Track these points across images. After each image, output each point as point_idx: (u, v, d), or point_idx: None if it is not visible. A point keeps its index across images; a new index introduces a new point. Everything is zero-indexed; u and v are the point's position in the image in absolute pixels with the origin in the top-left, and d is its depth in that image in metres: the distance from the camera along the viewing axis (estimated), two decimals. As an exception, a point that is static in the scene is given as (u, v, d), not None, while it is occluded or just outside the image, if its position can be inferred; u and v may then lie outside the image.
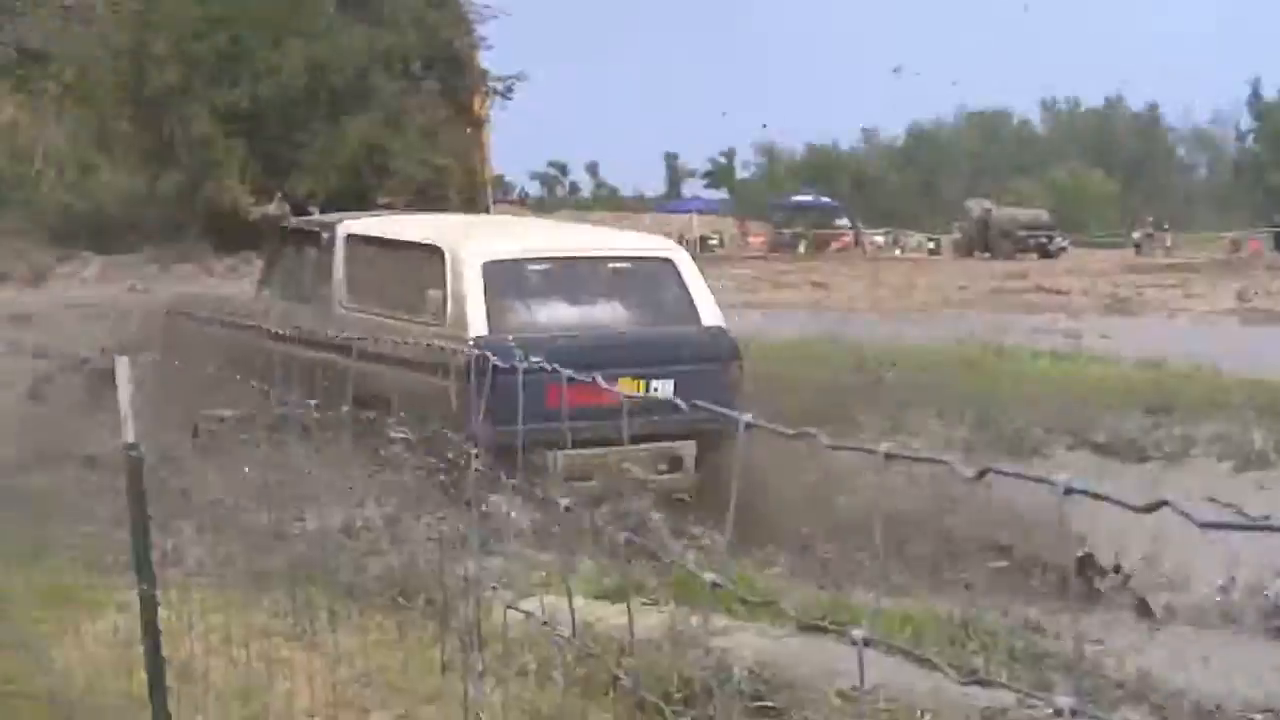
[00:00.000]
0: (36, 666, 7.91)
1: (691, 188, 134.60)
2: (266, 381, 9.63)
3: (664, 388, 12.93)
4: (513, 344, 10.38)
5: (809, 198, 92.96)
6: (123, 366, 6.05)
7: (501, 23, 67.09)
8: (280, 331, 13.01)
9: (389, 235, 15.78)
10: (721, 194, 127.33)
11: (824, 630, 7.29)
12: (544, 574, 9.78)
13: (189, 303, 19.41)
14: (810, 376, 18.17)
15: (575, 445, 10.74)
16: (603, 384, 4.47)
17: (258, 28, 47.92)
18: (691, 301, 14.52)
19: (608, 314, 14.44)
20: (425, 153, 48.35)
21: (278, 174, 49.22)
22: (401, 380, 12.65)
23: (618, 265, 14.93)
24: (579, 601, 8.35)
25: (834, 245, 77.70)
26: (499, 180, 76.31)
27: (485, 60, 53.10)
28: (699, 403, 3.84)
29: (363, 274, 15.17)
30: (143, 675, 6.45)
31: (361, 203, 50.69)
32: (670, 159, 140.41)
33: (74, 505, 12.15)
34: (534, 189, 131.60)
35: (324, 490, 7.17)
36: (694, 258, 15.82)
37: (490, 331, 13.13)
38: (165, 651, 6.21)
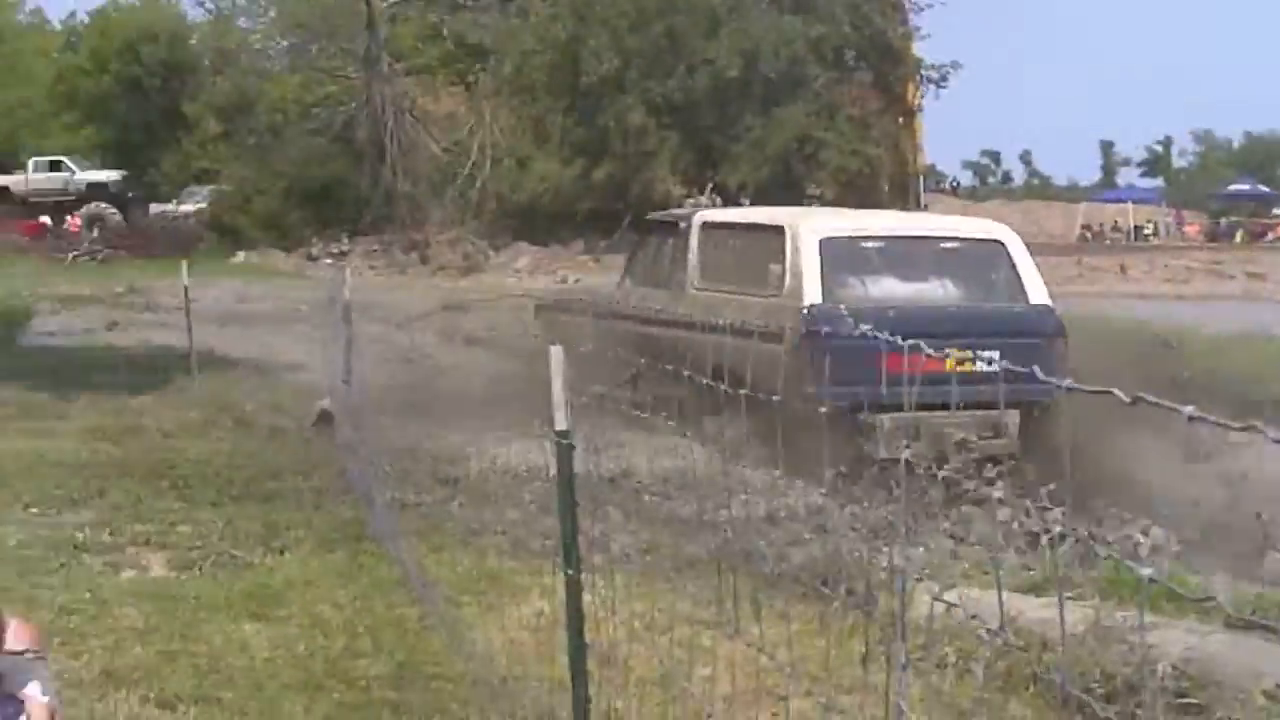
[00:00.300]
0: (459, 649, 7.99)
1: (1126, 176, 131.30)
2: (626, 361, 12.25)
3: (989, 359, 12.10)
4: (845, 312, 12.44)
5: (1246, 186, 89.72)
6: (555, 356, 6.05)
7: (935, 10, 66.55)
8: (637, 313, 16.39)
9: (738, 220, 17.22)
10: (1157, 183, 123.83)
11: (1254, 628, 6.99)
12: (967, 565, 9.60)
13: (556, 299, 21.54)
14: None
15: (901, 408, 11.20)
16: (930, 352, 4.62)
17: (693, 19, 48.28)
18: (1020, 281, 15.25)
19: (938, 290, 15.18)
20: (856, 143, 48.11)
21: (709, 165, 49.54)
22: (745, 348, 12.17)
23: (948, 245, 15.77)
24: (1003, 595, 8.11)
25: (1270, 235, 74.68)
26: (930, 170, 75.61)
27: (919, 49, 52.63)
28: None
29: (713, 256, 16.35)
30: (564, 660, 6.52)
31: (791, 194, 50.80)
32: (1106, 147, 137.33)
33: (506, 492, 12.35)
34: (966, 178, 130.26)
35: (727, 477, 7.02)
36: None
37: (824, 301, 14.05)
38: (587, 637, 6.26)
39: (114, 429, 15.71)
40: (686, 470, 8.07)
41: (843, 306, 13.19)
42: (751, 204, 53.08)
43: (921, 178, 55.43)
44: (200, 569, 10.10)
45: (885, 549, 9.61)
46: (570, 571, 6.14)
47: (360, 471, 11.80)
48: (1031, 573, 9.24)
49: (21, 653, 5.07)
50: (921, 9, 53.11)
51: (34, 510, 11.83)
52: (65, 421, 16.37)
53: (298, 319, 25.67)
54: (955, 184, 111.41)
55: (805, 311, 13.89)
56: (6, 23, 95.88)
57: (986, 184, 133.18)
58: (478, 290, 33.63)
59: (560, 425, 6.10)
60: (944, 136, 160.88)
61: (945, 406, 10.48)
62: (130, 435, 15.37)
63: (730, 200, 53.09)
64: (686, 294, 16.23)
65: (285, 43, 64.14)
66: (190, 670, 7.88)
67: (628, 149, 49.26)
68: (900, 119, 52.44)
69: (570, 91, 50.00)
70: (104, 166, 67.21)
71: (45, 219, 58.35)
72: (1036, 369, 3.86)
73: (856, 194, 50.99)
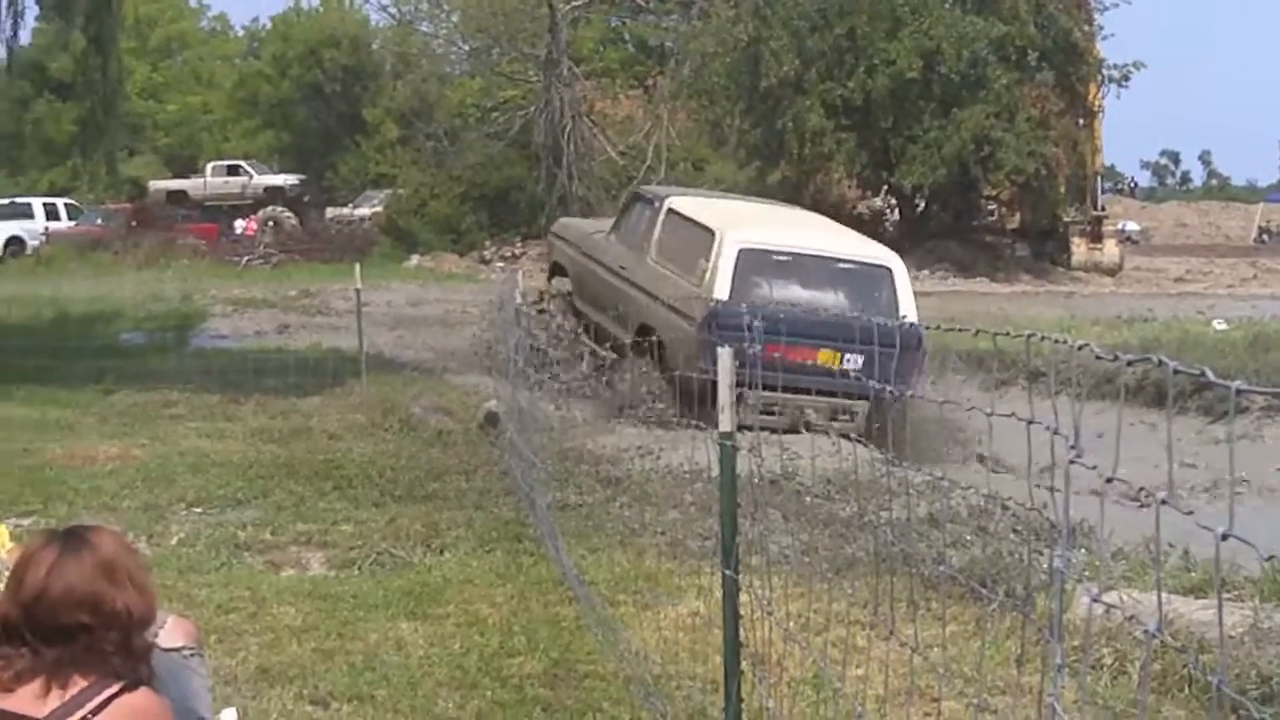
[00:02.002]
0: (613, 648, 7.94)
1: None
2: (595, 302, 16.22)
3: (853, 360, 16.59)
4: (743, 308, 15.17)
5: None
6: (725, 357, 6.00)
7: (1118, 10, 65.66)
8: (611, 266, 20.73)
9: (689, 214, 19.89)
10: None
11: None
12: (1126, 567, 9.44)
13: (567, 228, 25.47)
14: None
15: (771, 388, 11.39)
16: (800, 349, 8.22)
17: (874, 19, 47.97)
18: (897, 301, 18.19)
19: (828, 300, 18.12)
20: (1035, 144, 47.47)
21: (885, 167, 49.19)
22: (667, 318, 18.34)
23: (844, 265, 18.75)
24: (1162, 597, 7.95)
25: None
26: (1108, 171, 74.59)
27: (1102, 48, 51.85)
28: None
29: (670, 237, 19.66)
30: (718, 659, 6.53)
31: (968, 194, 50.29)
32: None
33: (667, 492, 12.34)
34: (1144, 179, 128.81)
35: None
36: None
37: (731, 297, 17.18)
38: (742, 636, 6.22)
39: (281, 430, 15.92)
40: (848, 472, 7.97)
41: (744, 305, 15.82)
42: (928, 205, 52.94)
43: (1099, 179, 54.55)
44: (359, 568, 10.15)
45: (1047, 550, 9.48)
46: (729, 571, 6.08)
47: (523, 472, 11.80)
48: (1192, 574, 9.08)
49: (179, 649, 5.05)
50: (1106, 8, 52.39)
51: (197, 510, 11.98)
52: (233, 423, 16.60)
53: (469, 322, 25.81)
54: (1133, 185, 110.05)
55: (713, 304, 16.97)
56: (190, 29, 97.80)
57: (1165, 184, 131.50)
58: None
59: (725, 427, 6.05)
60: (1123, 136, 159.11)
61: (819, 391, 15.41)
62: (296, 436, 15.55)
63: (906, 203, 52.81)
64: (645, 262, 19.86)
65: (466, 47, 64.66)
66: (345, 668, 7.89)
67: (804, 151, 49.03)
68: (1080, 120, 51.69)
69: (749, 94, 49.84)
70: (282, 171, 68.20)
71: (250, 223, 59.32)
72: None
73: (1032, 195, 50.42)
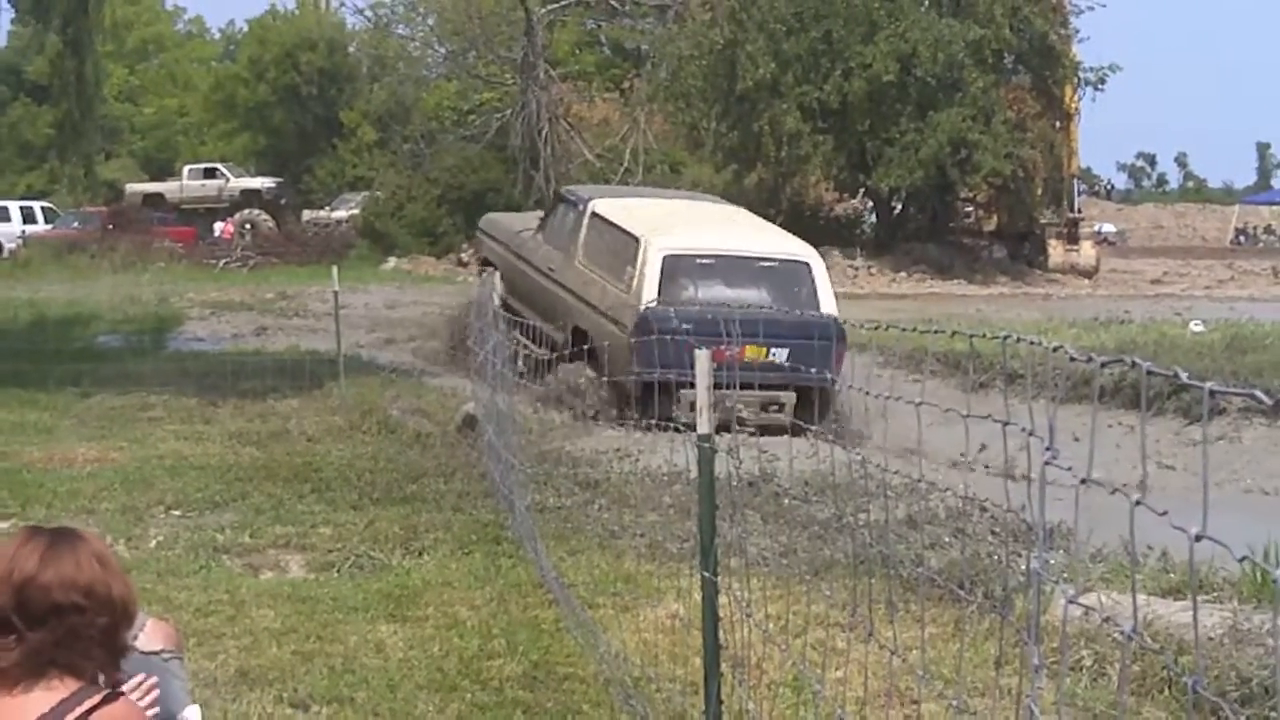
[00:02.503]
0: (593, 650, 7.95)
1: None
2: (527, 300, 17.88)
3: (779, 354, 16.84)
4: (671, 312, 16.85)
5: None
6: (702, 360, 6.03)
7: (1094, 12, 65.81)
8: (540, 267, 21.32)
9: (613, 219, 20.30)
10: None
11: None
12: (1105, 569, 9.48)
13: (495, 225, 25.86)
14: None
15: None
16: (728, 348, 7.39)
17: (850, 23, 48.05)
18: (816, 295, 19.15)
19: (752, 297, 18.55)
20: (1011, 146, 47.59)
21: (862, 169, 49.27)
22: (600, 324, 18.94)
23: (765, 263, 19.57)
24: (1140, 598, 7.97)
25: None
26: (1085, 173, 74.77)
27: (1078, 51, 52.02)
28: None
29: (595, 241, 20.22)
30: (697, 662, 6.52)
31: (945, 197, 50.38)
32: (1262, 149, 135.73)
33: (646, 495, 12.36)
34: (1120, 181, 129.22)
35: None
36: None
37: (659, 302, 18.10)
38: (721, 639, 6.25)
39: (259, 433, 15.90)
40: (827, 474, 7.98)
41: (671, 309, 17.35)
42: (904, 208, 53.02)
43: (1076, 181, 54.71)
44: (338, 570, 10.15)
45: (1024, 553, 9.52)
46: (708, 574, 6.10)
47: (502, 475, 11.80)
48: (1171, 576, 9.12)
49: (158, 653, 5.04)
50: (1081, 11, 52.55)
51: (176, 512, 11.97)
52: (211, 425, 16.58)
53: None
54: (1109, 187, 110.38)
55: (642, 311, 17.88)
56: (166, 32, 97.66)
57: (1141, 187, 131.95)
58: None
59: (703, 429, 6.06)
60: (1099, 139, 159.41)
61: (748, 386, 13.44)
62: (275, 439, 15.53)
63: (883, 205, 52.90)
64: (573, 264, 20.49)
65: (443, 50, 64.63)
66: (325, 670, 7.89)
67: (781, 154, 49.11)
68: (1057, 122, 51.84)
69: (725, 97, 49.87)
70: (258, 173, 68.12)
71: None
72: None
73: (1009, 197, 50.54)
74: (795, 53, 48.30)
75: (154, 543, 10.83)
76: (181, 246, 53.27)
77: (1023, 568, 9.25)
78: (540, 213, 24.71)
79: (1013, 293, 45.63)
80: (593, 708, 7.36)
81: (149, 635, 4.92)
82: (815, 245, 43.40)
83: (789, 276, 19.46)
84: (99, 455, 14.38)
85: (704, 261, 19.22)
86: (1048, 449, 3.48)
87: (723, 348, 15.83)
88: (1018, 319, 30.49)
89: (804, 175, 51.60)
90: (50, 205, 61.69)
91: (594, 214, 20.73)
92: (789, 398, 17.86)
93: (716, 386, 14.35)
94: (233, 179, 64.21)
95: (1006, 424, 3.88)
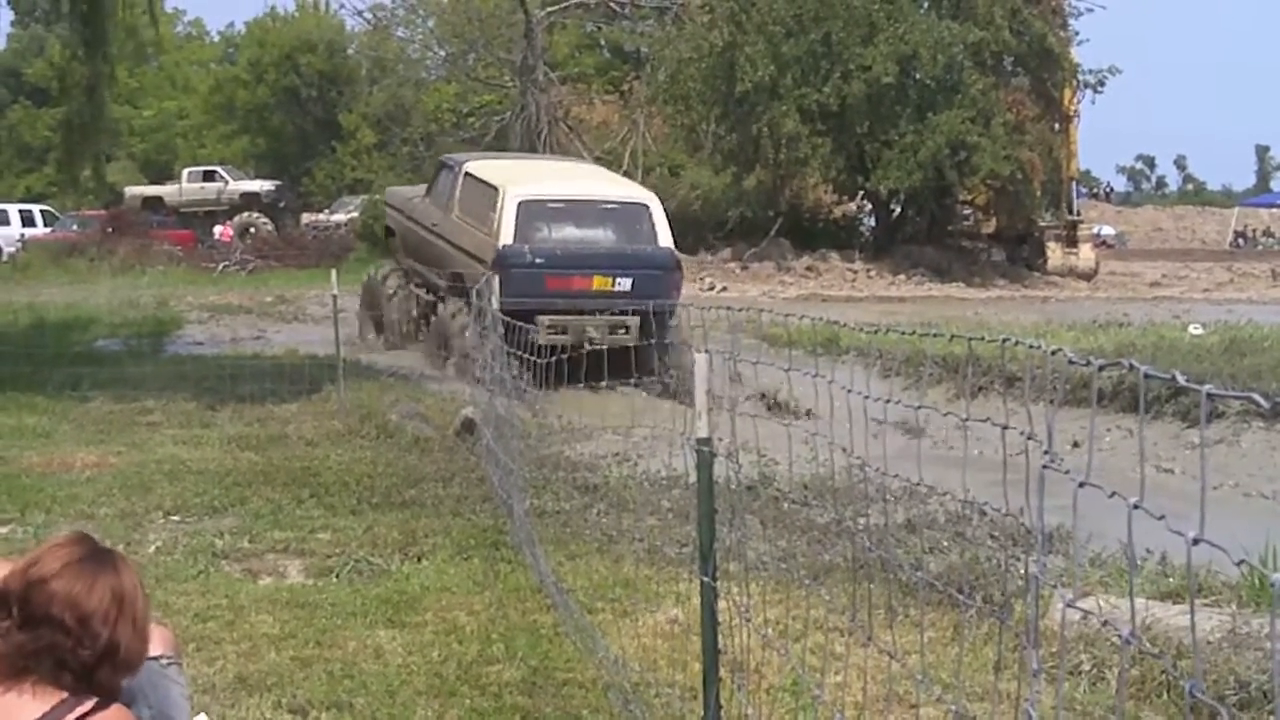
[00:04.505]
0: (592, 655, 7.95)
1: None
2: (417, 255, 25.25)
3: (623, 283, 21.49)
4: (526, 250, 21.38)
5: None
6: (700, 362, 5.99)
7: (1093, 15, 65.79)
8: (426, 224, 25.15)
9: (480, 175, 23.56)
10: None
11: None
12: (1103, 573, 9.48)
13: (394, 195, 29.68)
14: None
15: (557, 313, 20.58)
16: (577, 278, 20.55)
17: (849, 25, 48.04)
18: (655, 232, 22.34)
19: (599, 236, 22.32)
20: (1010, 148, 47.58)
21: (860, 171, 49.27)
22: (471, 265, 21.97)
23: (609, 205, 22.94)
24: (1139, 602, 7.98)
25: None
26: (1084, 175, 74.75)
27: (1077, 54, 52.04)
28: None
29: (468, 196, 23.47)
30: (696, 667, 6.48)
31: (944, 199, 50.38)
32: (1261, 152, 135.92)
33: (645, 499, 12.36)
34: (1120, 183, 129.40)
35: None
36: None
37: (514, 242, 21.51)
38: (720, 643, 6.21)
39: (257, 437, 15.89)
40: (826, 478, 8.00)
41: (526, 246, 21.43)
42: (903, 210, 52.99)
43: (1075, 183, 54.69)
44: (337, 576, 10.12)
45: (1023, 557, 9.53)
46: (707, 578, 6.08)
47: (501, 479, 11.79)
48: (1169, 580, 9.11)
49: (157, 658, 5.04)
50: (1080, 14, 52.56)
51: (175, 518, 11.95)
52: (210, 430, 16.57)
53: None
54: (1109, 190, 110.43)
55: (500, 248, 21.38)
56: (165, 34, 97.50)
57: (1140, 189, 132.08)
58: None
59: (702, 433, 6.05)
60: (1099, 142, 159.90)
61: (594, 311, 20.83)
62: (273, 443, 15.52)
63: (882, 208, 52.89)
64: (450, 218, 23.87)
65: (442, 52, 64.69)
66: (324, 676, 7.87)
67: (780, 156, 49.10)
68: (1056, 125, 51.84)
69: (724, 99, 49.83)
70: (258, 176, 68.08)
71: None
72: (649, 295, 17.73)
73: (1008, 200, 50.52)
74: (794, 55, 48.28)
75: (153, 548, 10.81)
76: (180, 250, 53.30)
77: (1021, 572, 9.28)
78: (427, 184, 27.79)
79: (1011, 295, 45.64)
80: (592, 713, 7.34)
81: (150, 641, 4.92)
82: (814, 249, 45.69)
83: (630, 217, 22.54)
84: (98, 460, 14.36)
85: (554, 205, 22.46)
86: (1046, 452, 3.48)
87: (571, 278, 21.24)
88: (1016, 322, 30.49)
89: (803, 177, 51.59)
90: (49, 209, 61.73)
91: (466, 173, 23.93)
92: (633, 321, 20.75)
93: (569, 313, 20.55)
94: (232, 182, 64.14)
95: (1005, 427, 3.87)
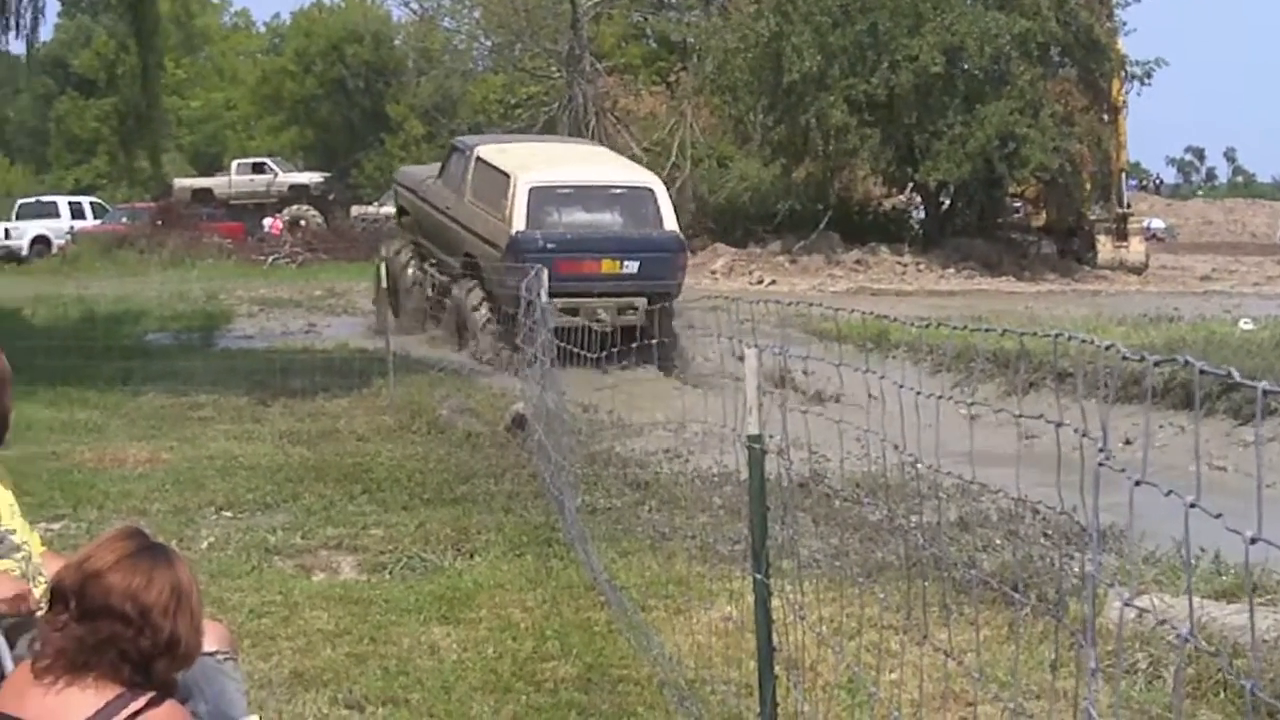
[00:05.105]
0: (646, 653, 7.96)
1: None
2: (430, 236, 26.20)
3: (630, 266, 22.47)
4: (538, 235, 22.16)
5: None
6: (750, 358, 5.99)
7: (1141, 6, 65.48)
8: (439, 206, 25.79)
9: (492, 161, 24.30)
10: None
11: None
12: (1157, 571, 9.44)
13: (407, 176, 30.31)
14: None
15: (568, 295, 19.81)
16: (587, 261, 21.67)
17: (896, 15, 47.86)
18: (660, 215, 23.27)
19: (606, 220, 23.31)
20: (1059, 140, 47.32)
21: (909, 163, 49.08)
22: (484, 249, 23.21)
23: (616, 190, 23.84)
24: (1194, 601, 7.94)
25: None
26: (1134, 167, 74.38)
27: (1124, 45, 51.72)
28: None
29: (480, 181, 24.17)
30: (751, 664, 6.55)
31: (993, 191, 50.14)
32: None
33: (696, 496, 12.36)
34: (1170, 175, 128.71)
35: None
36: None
37: (527, 228, 22.32)
38: (775, 641, 6.19)
39: (309, 432, 15.94)
40: (878, 475, 7.99)
41: (538, 232, 22.24)
42: (953, 202, 52.75)
43: (1124, 176, 54.39)
44: (390, 572, 10.16)
45: (1078, 554, 9.52)
46: (760, 576, 6.08)
47: (552, 475, 11.80)
48: (1224, 578, 9.08)
49: (213, 654, 5.07)
50: (1127, 4, 52.24)
51: (227, 513, 12.00)
52: (261, 425, 16.62)
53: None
54: (1159, 182, 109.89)
55: (513, 234, 22.18)
56: (212, 25, 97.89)
57: (1190, 181, 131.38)
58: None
59: (753, 430, 6.05)
60: (1148, 133, 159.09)
61: (603, 294, 21.60)
62: (325, 439, 15.57)
63: (931, 200, 52.69)
64: (463, 202, 24.54)
65: (489, 43, 64.76)
66: (379, 672, 7.91)
67: (828, 148, 48.89)
68: (1104, 116, 51.51)
69: (771, 90, 49.64)
70: (307, 168, 68.19)
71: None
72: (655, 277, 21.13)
73: (1058, 192, 50.28)
74: (841, 45, 48.09)
75: (206, 544, 10.87)
76: (230, 242, 53.38)
77: (1076, 570, 9.26)
78: (439, 164, 28.38)
79: (1061, 289, 45.40)
80: (647, 710, 7.36)
81: (205, 637, 4.94)
82: (863, 242, 46.16)
83: (637, 201, 23.45)
84: (150, 455, 14.42)
85: (564, 191, 23.23)
86: (1101, 450, 3.47)
87: (582, 262, 21.92)
88: (1066, 316, 30.35)
89: (852, 169, 51.39)
90: (99, 201, 61.96)
91: (478, 158, 24.74)
92: (641, 302, 22.01)
93: (579, 295, 20.67)
94: (281, 174, 64.19)
95: (1060, 424, 3.87)
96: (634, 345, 14.66)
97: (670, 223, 23.40)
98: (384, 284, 22.48)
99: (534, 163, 24.46)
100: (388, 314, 26.16)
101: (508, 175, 23.20)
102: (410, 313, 26.45)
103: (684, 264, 23.99)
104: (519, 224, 22.32)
